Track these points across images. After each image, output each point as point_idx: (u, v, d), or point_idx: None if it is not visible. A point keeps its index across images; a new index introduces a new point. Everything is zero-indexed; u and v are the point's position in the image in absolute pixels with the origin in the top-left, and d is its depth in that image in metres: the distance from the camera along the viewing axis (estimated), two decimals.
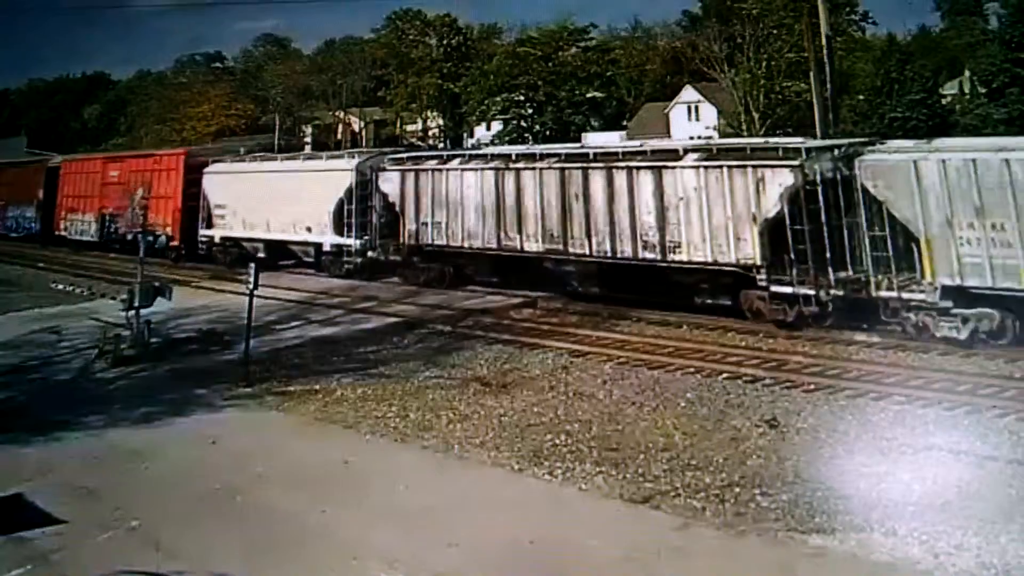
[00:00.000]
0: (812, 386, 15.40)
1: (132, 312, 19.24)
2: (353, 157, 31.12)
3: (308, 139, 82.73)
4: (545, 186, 23.45)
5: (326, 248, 30.10)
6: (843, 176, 18.75)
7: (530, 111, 71.29)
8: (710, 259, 20.24)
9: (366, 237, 28.74)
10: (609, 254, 22.21)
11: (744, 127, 52.73)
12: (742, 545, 9.70)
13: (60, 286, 30.72)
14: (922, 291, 17.37)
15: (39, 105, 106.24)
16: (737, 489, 11.00)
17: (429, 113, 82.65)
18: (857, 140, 21.87)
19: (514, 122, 71.57)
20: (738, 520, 10.22)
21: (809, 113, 36.53)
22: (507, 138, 67.48)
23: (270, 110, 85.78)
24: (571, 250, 23.00)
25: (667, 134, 59.97)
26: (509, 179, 24.40)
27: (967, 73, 57.55)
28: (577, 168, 22.97)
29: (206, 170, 35.06)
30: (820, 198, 18.68)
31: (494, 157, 26.48)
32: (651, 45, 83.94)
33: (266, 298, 21.56)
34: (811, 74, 35.78)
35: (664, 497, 10.93)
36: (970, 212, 16.67)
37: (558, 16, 76.35)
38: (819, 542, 9.57)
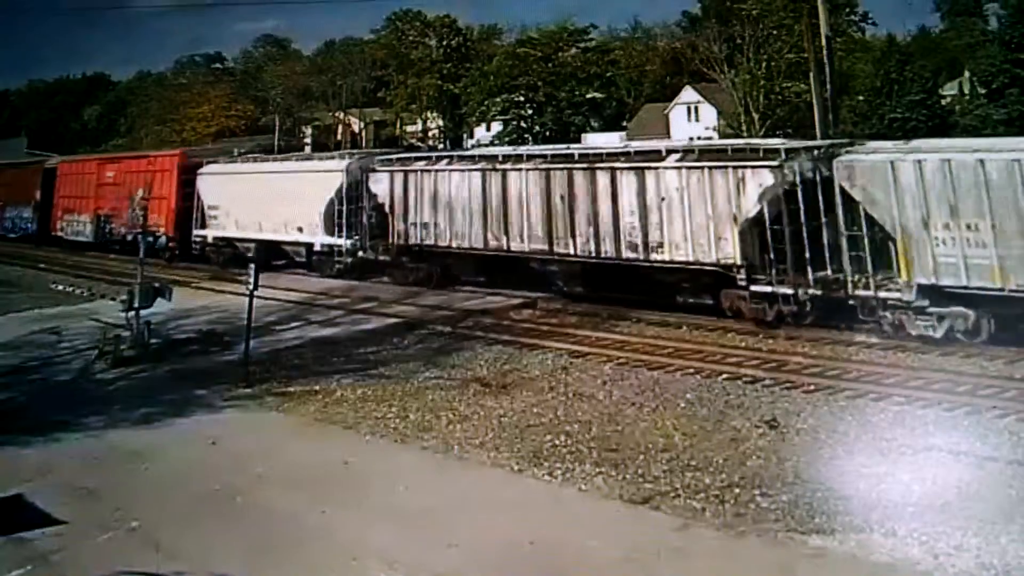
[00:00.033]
0: (812, 387, 15.40)
1: (132, 313, 19.25)
2: (344, 158, 31.52)
3: (308, 140, 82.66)
4: (530, 187, 23.74)
5: (317, 248, 30.36)
6: (822, 176, 18.91)
7: (530, 112, 71.35)
8: (691, 259, 20.46)
9: (356, 237, 29.02)
10: (593, 254, 22.47)
11: (744, 128, 52.74)
12: (742, 546, 9.70)
13: (60, 287, 30.73)
14: (898, 290, 17.58)
15: (39, 106, 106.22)
16: (737, 490, 11.00)
17: (429, 114, 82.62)
18: (836, 141, 22.07)
19: (514, 123, 71.62)
20: (738, 521, 10.22)
21: (809, 114, 36.54)
22: (507, 139, 67.51)
23: (270, 111, 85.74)
24: (556, 250, 23.28)
25: (667, 135, 59.97)
26: (495, 180, 24.65)
27: (967, 74, 57.56)
28: (561, 169, 23.25)
29: (200, 171, 35.33)
30: (799, 198, 18.89)
31: (481, 158, 26.74)
32: (651, 46, 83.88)
33: (266, 299, 21.56)
34: (811, 75, 35.79)
35: (664, 498, 10.93)
36: (945, 212, 16.86)
37: (558, 17, 76.47)
38: (819, 543, 9.57)
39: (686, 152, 21.59)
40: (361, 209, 28.86)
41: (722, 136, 52.57)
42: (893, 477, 11.11)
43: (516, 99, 71.11)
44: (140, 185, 37.20)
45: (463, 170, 25.91)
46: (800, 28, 44.89)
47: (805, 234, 18.80)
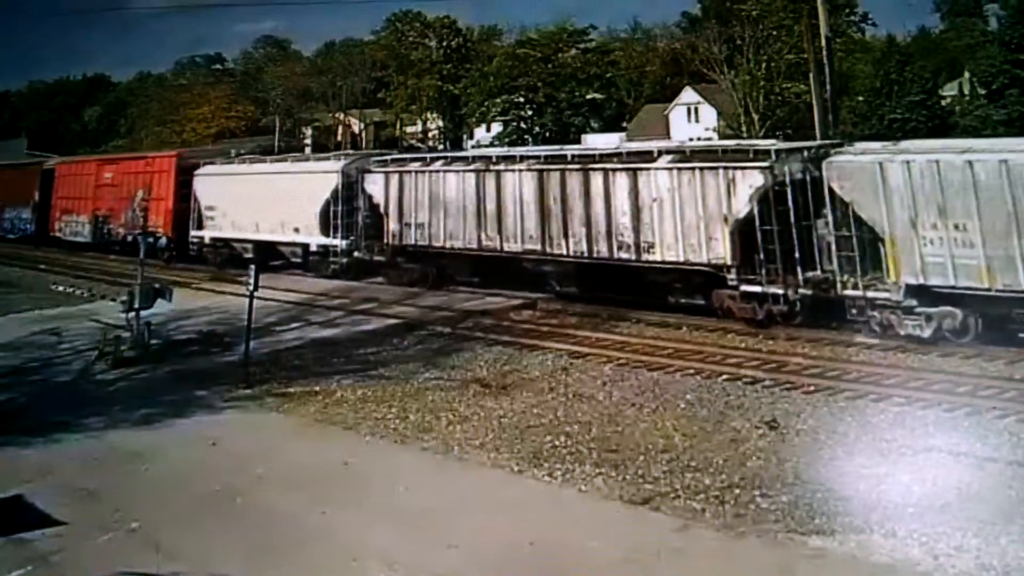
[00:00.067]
0: (812, 387, 15.40)
1: (132, 314, 19.26)
2: (339, 159, 31.74)
3: (308, 141, 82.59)
4: (524, 188, 23.93)
5: (313, 249, 30.52)
6: (812, 177, 19.11)
7: (530, 113, 71.33)
8: (682, 259, 20.66)
9: (352, 238, 29.21)
10: (586, 254, 22.66)
11: (744, 129, 52.74)
12: (742, 546, 9.70)
13: (60, 288, 30.73)
14: (887, 290, 17.75)
15: (39, 107, 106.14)
16: (737, 490, 11.01)
17: (429, 115, 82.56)
18: (826, 142, 22.26)
19: (514, 124, 71.60)
20: (738, 521, 10.23)
21: (809, 114, 36.54)
22: (507, 140, 67.47)
23: (270, 112, 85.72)
24: (549, 250, 23.46)
25: (667, 135, 59.93)
26: (489, 181, 24.82)
27: (967, 74, 57.53)
28: (555, 170, 23.44)
29: (197, 172, 35.48)
30: (789, 199, 19.07)
31: (475, 159, 26.89)
32: (651, 47, 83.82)
33: (266, 299, 21.56)
34: (811, 75, 35.81)
35: (664, 498, 10.94)
36: (933, 213, 17.01)
37: (558, 18, 76.36)
38: (819, 543, 9.58)
39: (678, 153, 21.79)
40: (356, 210, 29.04)
41: (722, 137, 52.55)
42: (893, 478, 11.12)
43: (516, 100, 71.10)
44: (137, 186, 37.68)
45: (457, 171, 26.05)
46: (800, 29, 44.90)
47: (795, 234, 19.00)
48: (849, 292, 18.25)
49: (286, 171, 32.81)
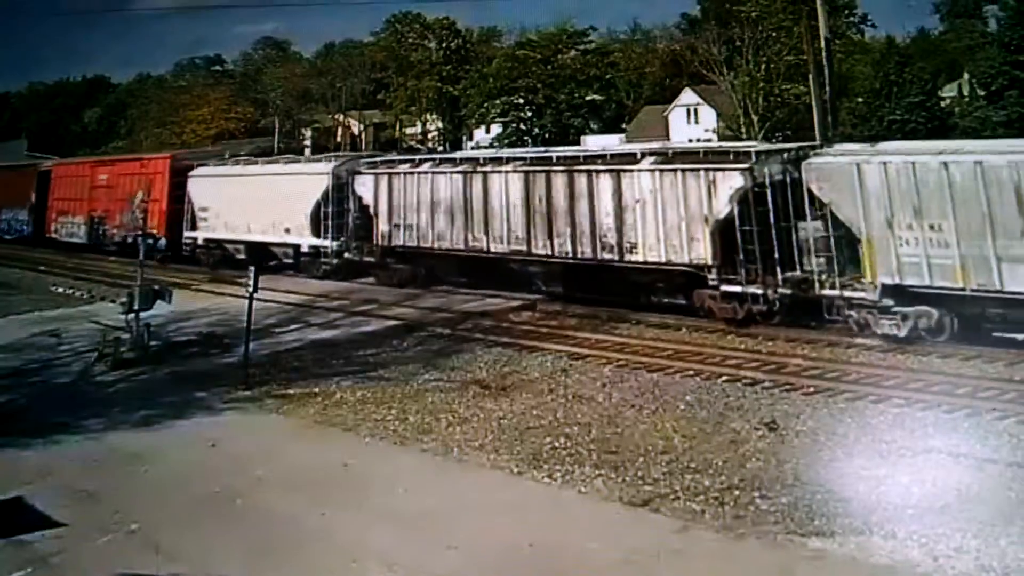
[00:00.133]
0: (811, 389, 15.40)
1: (132, 315, 19.26)
2: (330, 161, 31.99)
3: (308, 142, 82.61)
4: (510, 189, 24.22)
5: (304, 250, 30.76)
6: (792, 179, 19.31)
7: (529, 114, 71.36)
8: (664, 259, 20.95)
9: (342, 239, 29.47)
10: (570, 255, 22.94)
11: (743, 130, 52.78)
12: (741, 548, 9.70)
13: (60, 289, 30.72)
14: (863, 290, 17.93)
15: (39, 108, 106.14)
16: (736, 492, 11.01)
17: (428, 116, 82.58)
18: (806, 144, 22.51)
19: (513, 125, 71.61)
20: (737, 523, 10.23)
21: (808, 116, 36.53)
22: (506, 141, 67.52)
23: (270, 113, 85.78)
24: (534, 251, 23.73)
25: (666, 137, 59.92)
26: (476, 182, 25.09)
27: (966, 76, 57.61)
28: (540, 172, 23.73)
29: (191, 174, 35.79)
30: (769, 200, 19.28)
31: (463, 161, 27.15)
32: (650, 48, 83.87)
33: (265, 301, 21.55)
34: (810, 77, 35.77)
35: (663, 500, 10.94)
36: (909, 213, 17.21)
37: (557, 19, 76.53)
38: (818, 545, 9.57)
39: (660, 155, 22.07)
40: (347, 211, 29.35)
41: (721, 138, 52.58)
42: (893, 479, 11.12)
43: (515, 101, 71.15)
44: (132, 187, 38.15)
45: (445, 173, 26.34)
46: (799, 30, 44.93)
47: (774, 235, 19.25)
48: (827, 292, 18.49)
49: (277, 173, 33.11)
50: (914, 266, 17.22)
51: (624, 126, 70.56)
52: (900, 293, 17.54)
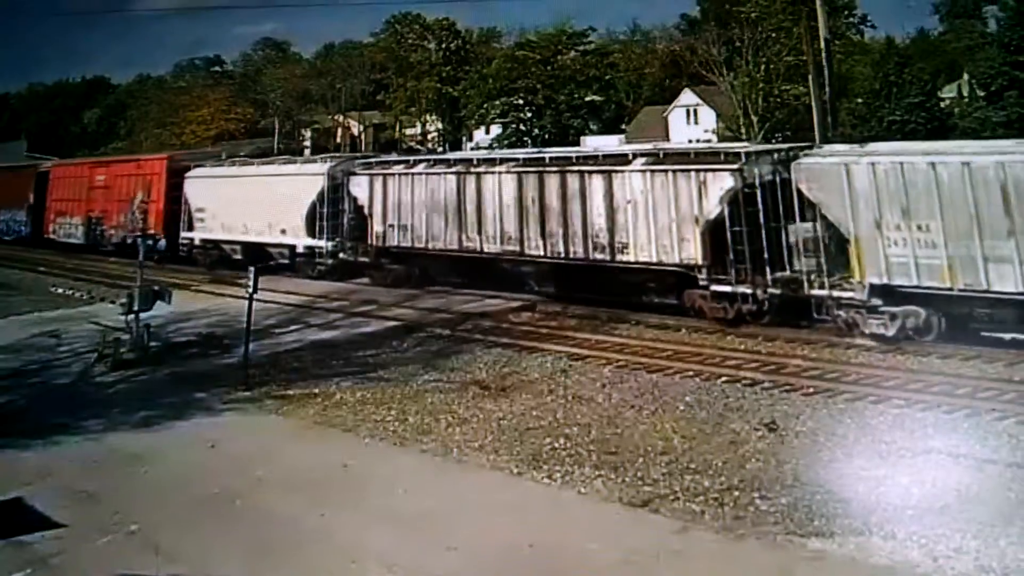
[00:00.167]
0: (811, 389, 15.40)
1: (131, 316, 19.27)
2: (325, 161, 32.15)
3: (307, 143, 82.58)
4: (503, 190, 24.40)
5: (299, 250, 30.90)
6: (781, 179, 19.44)
7: (529, 115, 71.25)
8: (655, 259, 21.15)
9: (337, 239, 29.63)
10: (563, 255, 23.14)
11: (743, 130, 52.75)
12: (741, 548, 9.70)
13: (60, 290, 30.74)
14: (852, 290, 18.08)
15: (39, 109, 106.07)
16: (736, 492, 11.01)
17: (428, 117, 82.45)
18: (796, 144, 22.66)
19: (513, 126, 71.52)
20: (737, 523, 10.23)
21: (808, 116, 36.58)
22: (506, 142, 67.44)
23: (269, 114, 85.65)
24: (527, 251, 23.93)
25: (666, 137, 59.94)
26: (470, 183, 25.28)
27: (966, 76, 57.60)
28: (533, 172, 23.94)
29: (187, 174, 35.98)
30: (759, 200, 19.45)
31: (456, 162, 27.30)
32: (650, 49, 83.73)
33: (265, 302, 21.54)
34: (810, 77, 35.86)
35: (663, 500, 10.94)
36: (897, 214, 17.35)
37: (557, 20, 76.13)
38: (818, 545, 9.57)
39: (651, 156, 22.24)
40: (342, 212, 29.51)
41: (721, 139, 52.57)
42: (892, 480, 11.12)
43: (515, 102, 71.04)
44: (129, 188, 38.40)
45: (439, 173, 26.52)
46: (799, 31, 44.90)
47: (764, 235, 19.39)
48: (816, 292, 18.65)
49: (273, 173, 33.23)
50: (902, 266, 17.37)
51: (624, 127, 70.49)
52: (888, 293, 17.68)
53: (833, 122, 33.82)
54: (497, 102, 71.09)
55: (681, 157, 21.67)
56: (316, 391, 16.67)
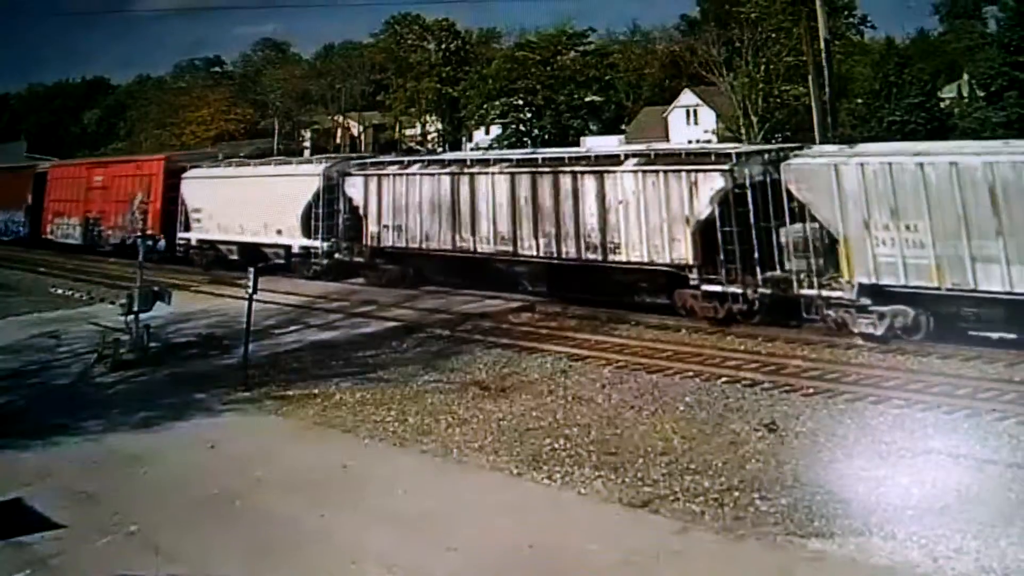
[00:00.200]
0: (811, 390, 15.39)
1: (131, 316, 19.26)
2: (321, 162, 32.33)
3: (307, 143, 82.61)
4: (497, 190, 24.55)
5: (295, 250, 30.99)
6: (771, 179, 19.58)
7: (529, 115, 71.31)
8: (646, 259, 21.29)
9: (332, 239, 29.76)
10: (555, 255, 23.27)
11: (743, 131, 52.77)
12: (741, 549, 9.70)
13: (59, 291, 30.74)
14: (841, 289, 18.18)
15: (39, 110, 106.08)
16: (736, 493, 11.00)
17: (428, 117, 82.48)
18: (786, 145, 22.98)
19: (513, 126, 71.57)
20: (737, 524, 10.22)
21: (808, 117, 36.58)
22: (506, 142, 67.46)
23: (269, 114, 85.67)
24: (520, 251, 24.06)
25: (666, 138, 59.97)
26: (464, 183, 25.42)
27: (966, 76, 57.66)
28: (526, 173, 24.10)
29: (184, 175, 36.12)
30: (749, 201, 19.59)
31: (451, 163, 27.42)
32: (649, 49, 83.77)
33: (264, 302, 21.53)
34: (810, 78, 35.85)
35: (663, 501, 10.93)
36: (886, 214, 17.44)
37: (557, 20, 76.25)
38: (818, 546, 9.56)
39: (643, 157, 22.38)
40: (337, 212, 29.65)
41: (721, 139, 52.57)
42: (892, 480, 11.11)
43: (515, 102, 71.11)
44: (127, 189, 38.60)
45: (433, 174, 26.66)
46: (799, 31, 44.91)
47: (754, 235, 19.51)
48: (805, 291, 18.73)
49: (269, 174, 33.36)
50: (890, 266, 17.46)
51: (623, 127, 70.52)
52: (877, 292, 17.79)
53: (833, 122, 33.80)
54: (497, 103, 71.15)
55: (672, 158, 21.80)
56: (316, 392, 16.66)
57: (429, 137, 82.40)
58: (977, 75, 51.65)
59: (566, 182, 22.94)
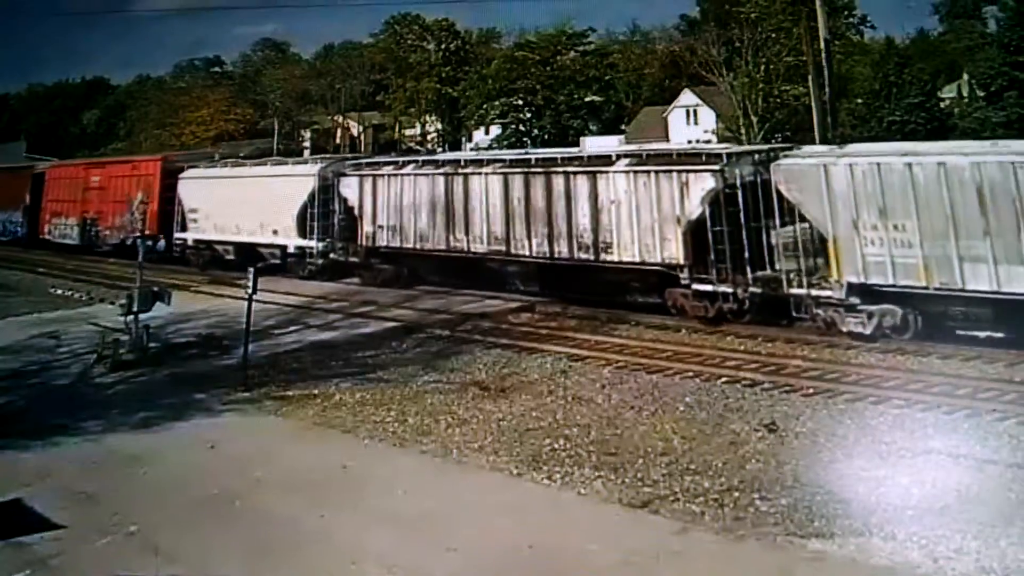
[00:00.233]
0: (811, 390, 15.38)
1: (131, 317, 19.25)
2: (316, 163, 32.45)
3: (307, 143, 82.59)
4: (490, 191, 24.73)
5: (291, 250, 31.14)
6: (762, 180, 19.76)
7: (528, 115, 71.30)
8: (638, 259, 21.49)
9: (328, 240, 29.91)
10: (548, 255, 23.46)
11: (743, 131, 52.75)
12: (741, 549, 9.69)
13: (59, 291, 30.72)
14: (830, 288, 18.32)
15: (39, 110, 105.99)
16: (736, 493, 11.00)
17: (428, 117, 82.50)
18: (776, 146, 23.23)
19: (512, 126, 71.56)
20: (737, 524, 10.22)
21: (807, 117, 36.58)
22: (505, 142, 67.43)
23: (269, 114, 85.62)
24: (513, 251, 24.23)
25: (665, 138, 59.92)
26: (458, 184, 25.61)
27: (965, 76, 57.65)
28: (519, 173, 24.27)
29: (181, 175, 36.25)
30: (739, 201, 19.72)
31: (445, 163, 27.56)
32: (649, 49, 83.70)
33: (264, 303, 21.53)
34: (810, 78, 35.86)
35: (663, 501, 10.93)
36: (874, 214, 17.60)
37: (556, 20, 76.24)
38: (818, 546, 9.56)
39: (635, 157, 22.55)
40: (332, 212, 29.78)
41: (720, 139, 52.56)
42: (892, 480, 11.11)
43: (515, 103, 71.11)
44: (124, 189, 38.74)
45: (427, 174, 26.79)
46: (799, 31, 44.93)
47: (745, 235, 19.68)
48: (795, 291, 18.90)
49: (265, 175, 33.44)
50: (879, 265, 17.61)
51: (623, 127, 70.48)
52: (866, 292, 17.94)
53: (833, 123, 33.80)
54: (497, 103, 71.14)
55: (663, 158, 21.95)
56: (315, 392, 16.65)
57: (429, 137, 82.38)
58: (977, 75, 51.64)
59: (559, 182, 23.09)
